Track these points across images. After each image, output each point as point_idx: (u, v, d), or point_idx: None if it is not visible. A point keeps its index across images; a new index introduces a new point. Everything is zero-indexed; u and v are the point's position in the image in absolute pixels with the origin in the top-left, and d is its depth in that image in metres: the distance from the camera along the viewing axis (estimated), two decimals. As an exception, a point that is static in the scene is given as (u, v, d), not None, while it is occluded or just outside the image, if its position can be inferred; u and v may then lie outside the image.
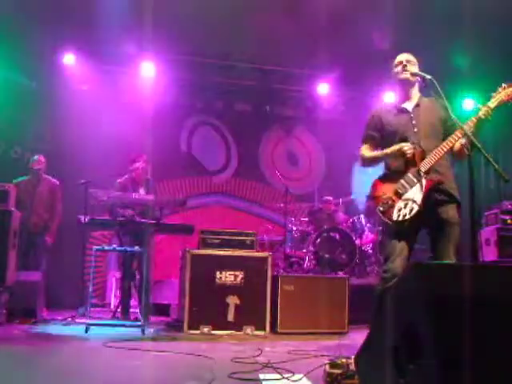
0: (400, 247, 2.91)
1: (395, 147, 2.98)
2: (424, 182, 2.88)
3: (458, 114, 2.73)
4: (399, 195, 2.92)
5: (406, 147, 2.92)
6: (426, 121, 3.03)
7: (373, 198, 3.03)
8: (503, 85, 2.87)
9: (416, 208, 2.84)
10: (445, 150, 2.86)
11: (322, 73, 7.65)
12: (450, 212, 2.89)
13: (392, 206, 2.90)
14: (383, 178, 3.09)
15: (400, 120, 3.07)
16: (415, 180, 2.90)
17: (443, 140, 2.92)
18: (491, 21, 5.77)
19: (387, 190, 2.97)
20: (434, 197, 2.90)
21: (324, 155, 8.73)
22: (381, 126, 3.14)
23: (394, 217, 2.88)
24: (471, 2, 5.37)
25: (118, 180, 5.50)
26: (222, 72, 7.63)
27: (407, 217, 2.85)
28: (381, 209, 2.92)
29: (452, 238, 2.85)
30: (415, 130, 3.01)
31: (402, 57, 3.14)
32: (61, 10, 5.90)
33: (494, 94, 2.85)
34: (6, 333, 4.12)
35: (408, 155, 2.91)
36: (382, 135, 3.15)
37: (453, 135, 2.83)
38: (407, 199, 2.88)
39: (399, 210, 2.88)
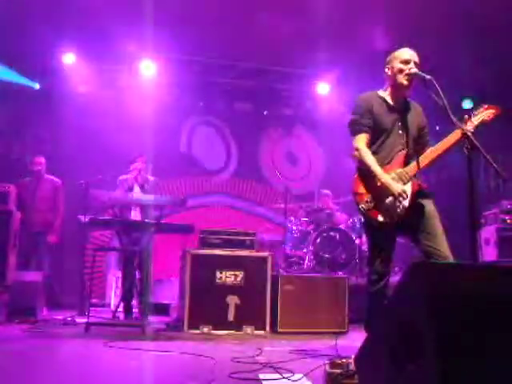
0: (385, 249, 2.90)
1: (394, 189, 2.77)
2: (410, 184, 2.86)
3: (456, 114, 2.72)
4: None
5: (404, 197, 2.77)
6: (412, 126, 3.01)
7: (355, 193, 2.91)
8: (484, 105, 2.88)
9: (403, 212, 2.80)
10: (440, 151, 2.86)
11: (322, 73, 7.65)
12: (430, 207, 2.90)
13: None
14: (366, 174, 2.91)
15: (390, 119, 2.99)
16: (401, 183, 2.85)
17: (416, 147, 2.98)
18: (490, 21, 5.78)
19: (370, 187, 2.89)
20: (416, 198, 2.87)
21: (324, 155, 8.73)
22: (371, 116, 2.96)
23: (380, 218, 2.82)
24: (471, 3, 5.38)
25: (120, 178, 5.52)
26: (222, 72, 7.63)
27: (394, 219, 2.81)
28: (364, 207, 2.84)
29: (441, 229, 2.83)
30: (400, 132, 2.97)
31: (412, 55, 2.96)
32: (61, 9, 5.91)
33: (475, 112, 2.85)
34: (6, 333, 4.12)
35: (398, 204, 2.78)
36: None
37: (450, 136, 2.81)
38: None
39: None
